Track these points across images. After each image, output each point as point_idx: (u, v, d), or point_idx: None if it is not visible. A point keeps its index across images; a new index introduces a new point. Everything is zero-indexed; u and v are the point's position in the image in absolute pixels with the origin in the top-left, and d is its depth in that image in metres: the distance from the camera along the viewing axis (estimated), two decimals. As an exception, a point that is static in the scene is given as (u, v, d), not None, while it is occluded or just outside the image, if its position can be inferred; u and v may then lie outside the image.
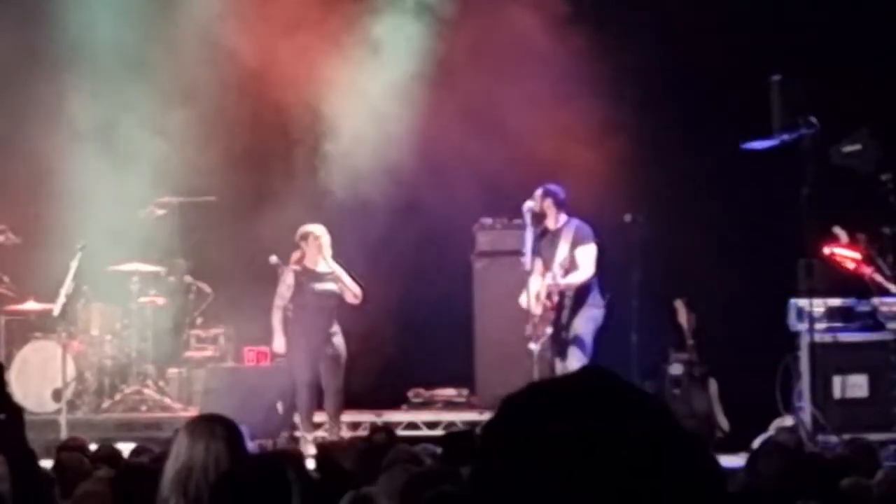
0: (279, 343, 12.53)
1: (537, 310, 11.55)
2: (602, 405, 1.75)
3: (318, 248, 12.43)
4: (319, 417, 12.70)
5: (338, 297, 12.42)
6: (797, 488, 4.88)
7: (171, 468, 4.51)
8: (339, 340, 12.41)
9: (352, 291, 12.35)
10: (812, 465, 5.88)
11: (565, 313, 11.55)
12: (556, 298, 11.51)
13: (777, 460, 5.30)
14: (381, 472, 5.34)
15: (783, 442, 9.78)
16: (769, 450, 5.94)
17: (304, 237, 12.50)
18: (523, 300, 11.66)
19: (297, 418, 12.89)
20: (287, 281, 12.52)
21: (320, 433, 13.09)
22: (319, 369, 12.35)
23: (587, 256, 11.56)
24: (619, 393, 1.78)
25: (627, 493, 1.70)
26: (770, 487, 4.53)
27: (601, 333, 11.62)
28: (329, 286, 12.41)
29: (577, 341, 11.51)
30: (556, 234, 11.69)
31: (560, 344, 11.55)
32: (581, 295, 11.60)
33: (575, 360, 11.37)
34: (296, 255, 12.56)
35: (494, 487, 1.75)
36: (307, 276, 12.46)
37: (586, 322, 11.57)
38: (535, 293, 11.63)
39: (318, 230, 12.49)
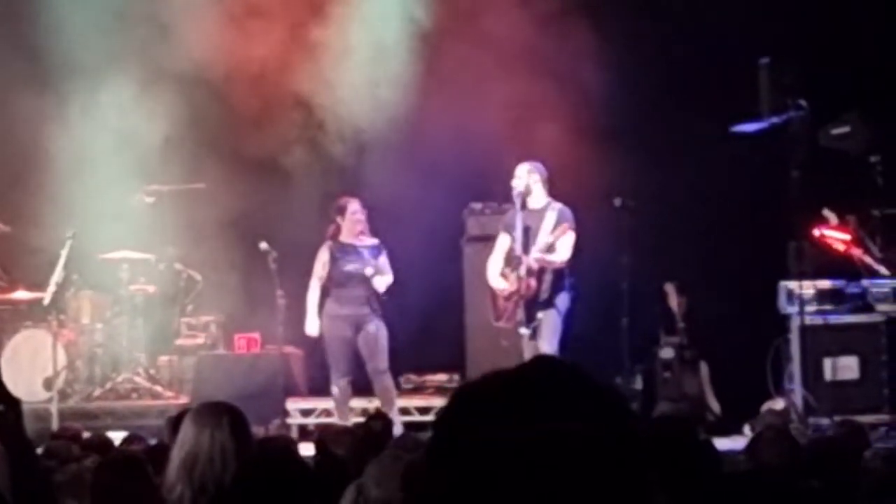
0: (311, 325, 11.92)
1: (512, 286, 11.50)
2: (554, 400, 1.73)
3: (355, 222, 11.86)
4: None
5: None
6: (799, 471, 4.90)
7: (176, 456, 4.52)
8: (378, 321, 11.80)
9: (381, 276, 11.74)
10: (811, 447, 5.91)
11: (544, 294, 11.52)
12: (534, 283, 11.45)
13: (778, 444, 5.32)
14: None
15: (771, 424, 9.82)
16: (770, 434, 5.96)
17: (341, 210, 11.90)
18: (494, 282, 11.64)
19: (288, 404, 12.89)
20: (322, 258, 11.93)
21: (312, 420, 13.10)
22: (354, 354, 11.81)
23: (566, 242, 11.52)
24: (571, 386, 1.76)
25: (577, 491, 1.69)
26: (771, 470, 4.54)
27: (572, 316, 11.58)
28: (363, 265, 11.80)
29: (551, 326, 11.48)
30: (540, 214, 11.61)
31: (536, 328, 11.52)
32: (557, 280, 11.56)
33: (546, 344, 11.34)
34: (331, 229, 11.96)
35: (446, 480, 1.73)
36: (341, 251, 11.88)
37: (560, 307, 11.53)
38: (499, 272, 11.62)
39: (355, 205, 11.91)
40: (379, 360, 11.87)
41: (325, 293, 11.97)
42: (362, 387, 12.26)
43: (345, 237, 11.92)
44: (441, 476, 1.74)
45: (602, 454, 1.70)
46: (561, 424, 1.70)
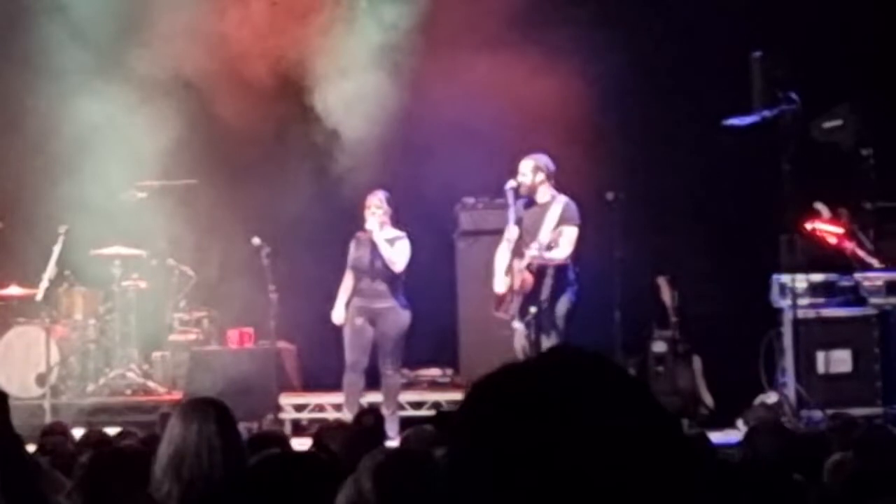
0: (335, 314, 12.00)
1: (516, 282, 11.47)
2: (577, 389, 1.69)
3: (368, 216, 11.88)
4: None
5: (390, 268, 11.86)
6: (793, 465, 4.90)
7: (164, 452, 4.52)
8: (394, 316, 11.89)
9: (390, 260, 11.82)
10: (806, 442, 5.91)
11: (545, 291, 11.49)
12: (530, 279, 11.42)
13: (773, 438, 5.32)
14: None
15: (762, 418, 9.83)
16: (765, 428, 5.96)
17: (366, 203, 12.01)
18: (498, 285, 11.59)
19: (282, 399, 12.89)
20: (350, 249, 12.09)
21: (306, 415, 13.10)
22: (366, 347, 11.89)
23: (569, 236, 11.49)
24: (594, 374, 1.72)
25: (608, 486, 1.65)
26: (766, 464, 4.55)
27: (577, 311, 11.56)
28: (371, 255, 11.88)
29: (555, 320, 11.46)
30: (544, 208, 11.55)
31: (539, 322, 11.49)
32: (560, 273, 11.52)
33: (552, 340, 11.32)
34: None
35: (469, 476, 1.68)
36: (358, 244, 12.02)
37: (563, 302, 11.51)
38: (505, 267, 11.57)
39: (370, 199, 11.96)
40: (385, 358, 11.98)
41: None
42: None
43: (368, 230, 11.98)
44: (467, 481, 1.67)
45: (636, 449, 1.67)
46: (586, 415, 1.66)
